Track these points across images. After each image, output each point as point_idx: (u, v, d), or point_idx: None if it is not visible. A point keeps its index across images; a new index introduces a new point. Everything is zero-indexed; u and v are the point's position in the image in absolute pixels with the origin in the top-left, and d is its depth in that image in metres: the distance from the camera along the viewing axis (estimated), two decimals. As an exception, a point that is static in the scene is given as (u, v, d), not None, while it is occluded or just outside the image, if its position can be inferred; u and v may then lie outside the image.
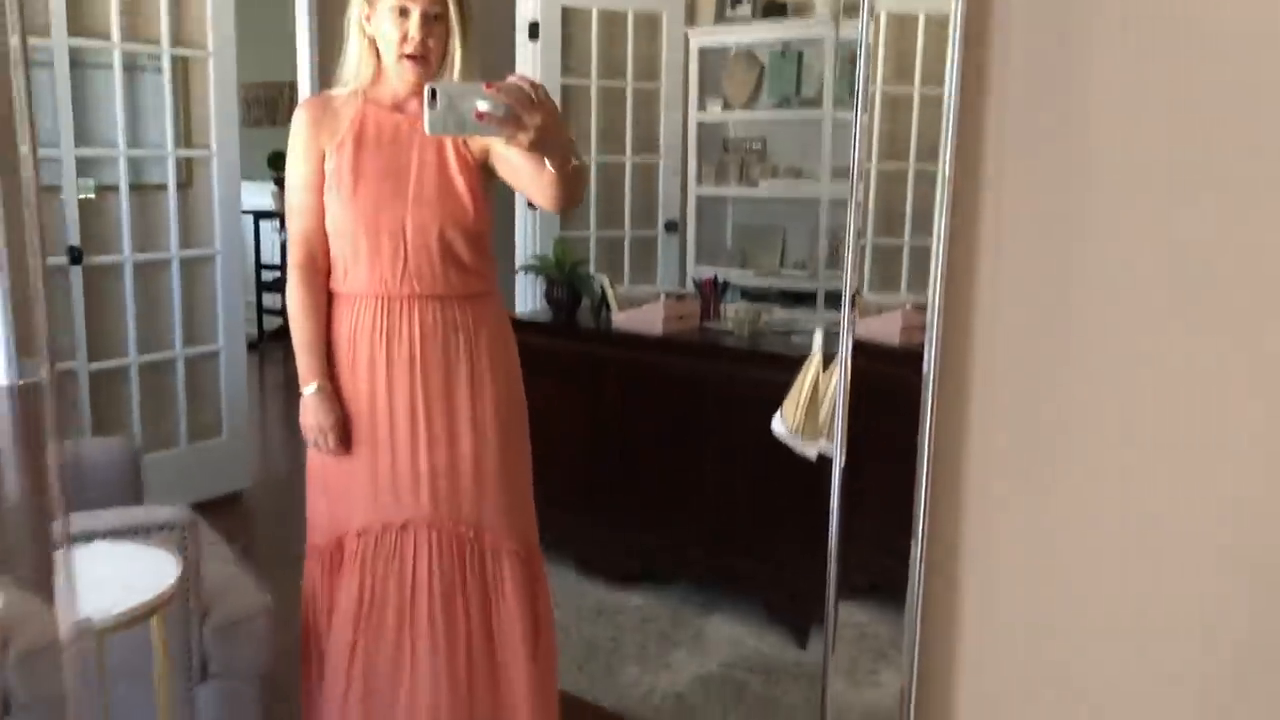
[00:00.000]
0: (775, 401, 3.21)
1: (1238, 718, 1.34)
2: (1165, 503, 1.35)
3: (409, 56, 2.04)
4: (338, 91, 2.15)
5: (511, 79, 1.69)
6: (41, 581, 1.85)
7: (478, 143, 2.06)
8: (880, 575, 1.90)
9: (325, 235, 2.12)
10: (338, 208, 2.08)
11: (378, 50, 2.09)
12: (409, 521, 2.12)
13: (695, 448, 3.36)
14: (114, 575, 1.82)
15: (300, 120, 2.14)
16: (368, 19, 2.08)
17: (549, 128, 1.71)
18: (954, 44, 1.35)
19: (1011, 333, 1.40)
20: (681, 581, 3.55)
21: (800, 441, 1.59)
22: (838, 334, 1.73)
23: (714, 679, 2.97)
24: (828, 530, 3.06)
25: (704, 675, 2.99)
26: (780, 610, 3.23)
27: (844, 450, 1.41)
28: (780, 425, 1.63)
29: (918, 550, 1.45)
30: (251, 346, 7.65)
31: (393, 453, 2.11)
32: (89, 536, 2.00)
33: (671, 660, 3.08)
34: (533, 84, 1.70)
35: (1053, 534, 1.42)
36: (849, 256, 1.49)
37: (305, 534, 4.36)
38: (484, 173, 2.10)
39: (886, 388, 1.59)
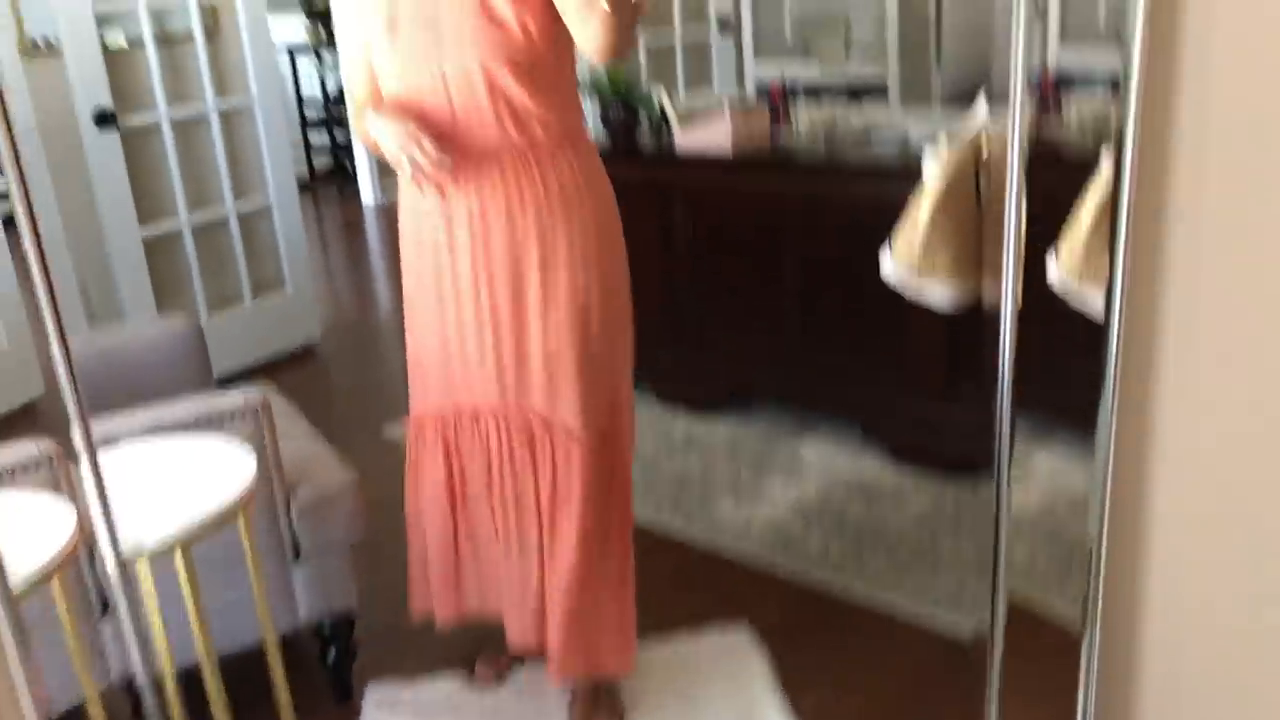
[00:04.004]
0: (858, 216, 3.01)
1: None
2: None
3: None
4: None
5: None
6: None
7: None
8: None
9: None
10: (382, 68, 1.86)
11: None
12: (480, 408, 1.97)
13: (774, 268, 3.18)
14: (190, 476, 1.74)
15: None
16: None
17: None
18: None
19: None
20: (769, 405, 3.45)
21: (917, 285, 1.40)
22: (949, 140, 1.53)
23: (812, 507, 2.89)
24: (944, 364, 2.90)
25: (801, 503, 2.91)
26: (874, 430, 3.12)
27: (1018, 294, 1.23)
28: (892, 266, 1.44)
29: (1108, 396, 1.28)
30: (303, 188, 7.55)
31: (461, 339, 1.94)
32: (158, 430, 1.92)
33: (766, 489, 3.01)
34: None
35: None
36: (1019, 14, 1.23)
37: (382, 382, 4.34)
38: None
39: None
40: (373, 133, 1.84)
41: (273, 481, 2.05)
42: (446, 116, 1.81)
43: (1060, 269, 1.31)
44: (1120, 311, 1.29)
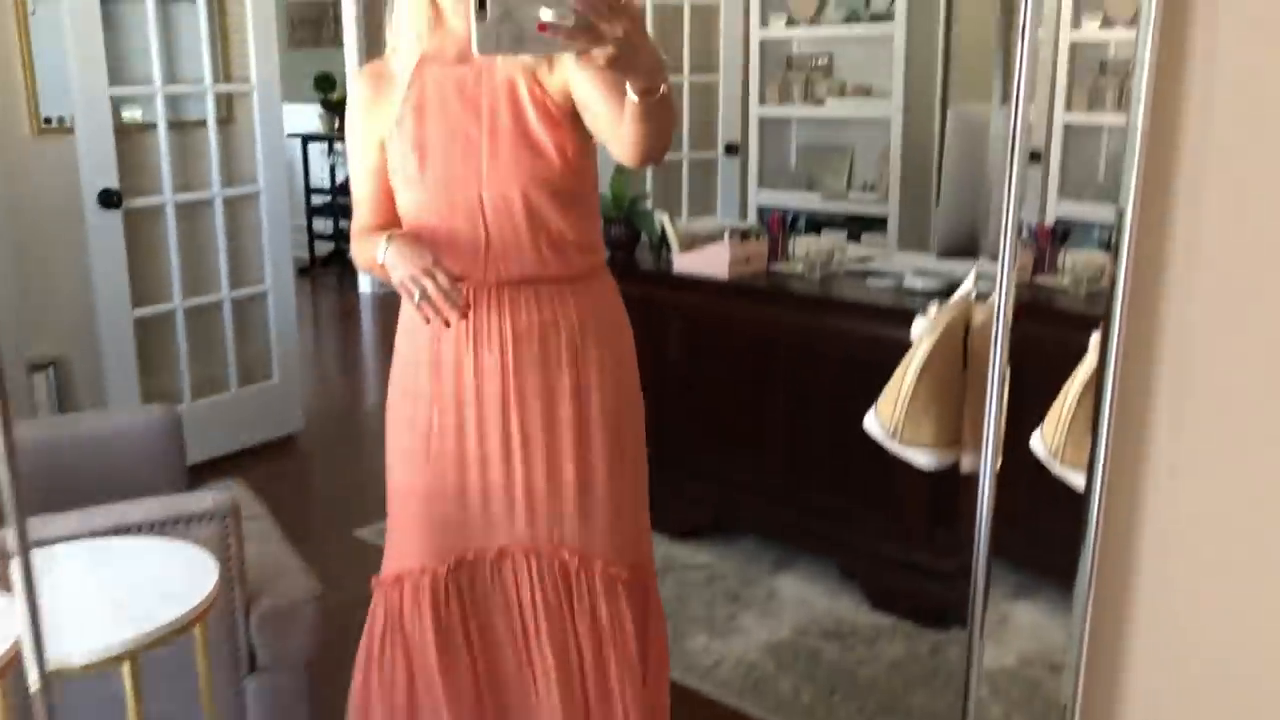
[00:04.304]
0: (850, 353, 3.02)
1: None
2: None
3: None
4: (392, 53, 1.81)
5: None
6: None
7: (557, 84, 1.73)
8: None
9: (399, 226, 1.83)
10: (406, 192, 1.79)
11: None
12: (505, 548, 1.84)
13: (763, 397, 3.18)
14: (150, 581, 1.70)
15: (354, 101, 1.84)
16: None
17: (632, 39, 1.36)
18: None
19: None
20: (750, 536, 3.40)
21: (900, 446, 1.38)
22: (945, 301, 1.52)
23: (785, 646, 2.83)
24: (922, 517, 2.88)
25: (775, 642, 2.85)
26: (853, 571, 3.07)
27: (997, 458, 1.21)
28: (875, 425, 1.42)
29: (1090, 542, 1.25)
30: (302, 272, 7.59)
31: (483, 471, 1.82)
32: (124, 530, 1.87)
33: (741, 624, 2.94)
34: None
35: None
36: (1010, 192, 1.24)
37: (360, 481, 4.27)
38: (572, 121, 1.73)
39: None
40: (382, 257, 1.73)
41: (234, 590, 1.99)
42: (480, 244, 1.75)
43: (1043, 444, 1.30)
44: (1101, 490, 1.28)
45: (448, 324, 1.73)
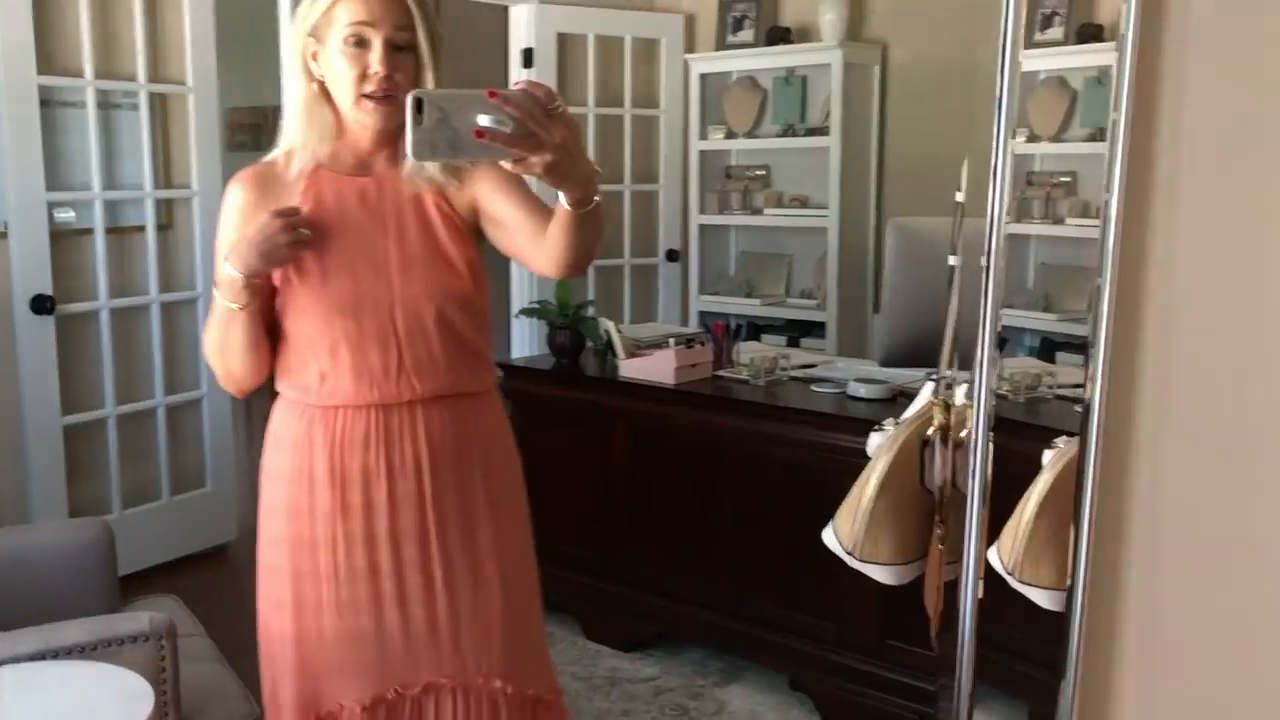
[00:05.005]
0: (798, 460, 3.02)
1: None
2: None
3: (371, 97, 1.63)
4: (282, 157, 1.73)
5: (521, 84, 1.34)
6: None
7: (464, 200, 1.71)
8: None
9: (273, 349, 1.72)
10: (305, 309, 1.68)
11: (329, 97, 1.69)
12: (431, 684, 1.72)
13: (710, 505, 3.16)
14: (80, 710, 1.61)
15: (232, 206, 1.70)
16: (314, 57, 1.67)
17: (568, 147, 1.36)
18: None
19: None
20: (698, 646, 3.35)
21: (860, 563, 1.38)
22: (899, 418, 1.53)
23: (737, 762, 2.77)
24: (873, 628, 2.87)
25: (726, 758, 2.79)
26: (804, 682, 3.03)
27: (980, 581, 1.21)
28: (834, 541, 1.42)
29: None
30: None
31: (402, 608, 1.70)
32: (52, 654, 1.79)
33: (690, 739, 2.88)
34: (549, 91, 1.34)
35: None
36: (988, 306, 1.25)
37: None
38: (475, 236, 1.74)
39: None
40: (221, 290, 1.64)
41: (168, 716, 1.90)
42: (393, 361, 1.68)
43: (1000, 559, 1.30)
44: (1081, 613, 1.27)
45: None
